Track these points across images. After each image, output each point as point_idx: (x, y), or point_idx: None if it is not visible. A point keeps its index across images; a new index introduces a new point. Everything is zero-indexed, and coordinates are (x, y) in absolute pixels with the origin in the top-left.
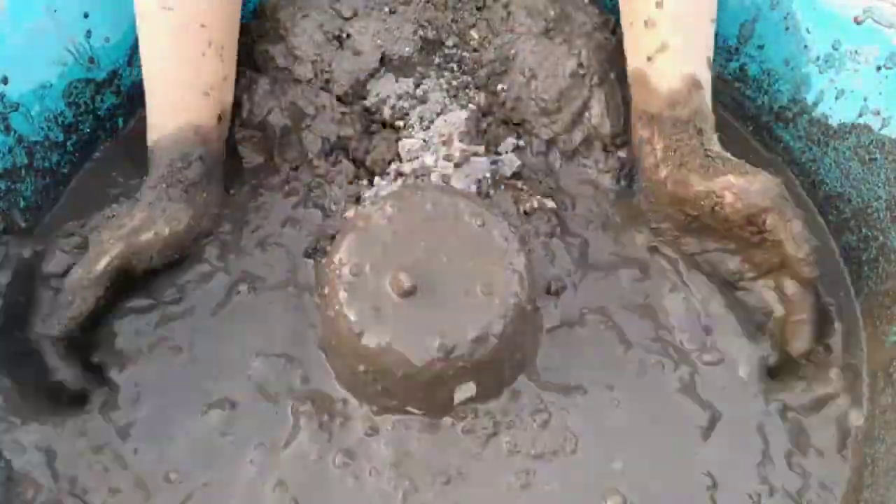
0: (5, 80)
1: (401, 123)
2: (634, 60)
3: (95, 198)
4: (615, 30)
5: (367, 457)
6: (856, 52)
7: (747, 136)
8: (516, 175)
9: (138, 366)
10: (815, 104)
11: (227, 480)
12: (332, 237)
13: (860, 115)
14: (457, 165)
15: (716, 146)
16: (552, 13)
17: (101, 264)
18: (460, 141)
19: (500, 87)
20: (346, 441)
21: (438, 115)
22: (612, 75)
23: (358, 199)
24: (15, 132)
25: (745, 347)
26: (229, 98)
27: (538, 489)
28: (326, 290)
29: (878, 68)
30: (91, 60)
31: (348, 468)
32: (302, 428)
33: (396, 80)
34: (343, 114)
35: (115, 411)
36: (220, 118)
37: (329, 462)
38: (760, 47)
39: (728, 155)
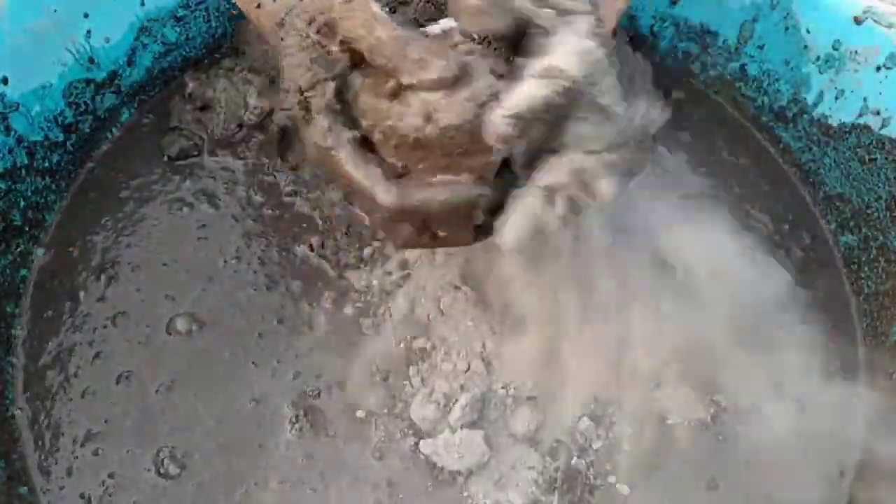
0: (5, 81)
1: None
2: None
3: (96, 198)
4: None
5: None
6: (856, 52)
7: (748, 136)
8: None
9: None
10: (815, 104)
11: None
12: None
13: (860, 115)
14: None
15: None
16: None
17: None
18: None
19: None
20: None
21: None
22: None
23: None
24: (15, 132)
25: None
26: None
27: None
28: None
29: (878, 68)
30: (91, 60)
31: None
32: None
33: None
34: None
35: None
36: None
37: None
38: (760, 47)
39: None
